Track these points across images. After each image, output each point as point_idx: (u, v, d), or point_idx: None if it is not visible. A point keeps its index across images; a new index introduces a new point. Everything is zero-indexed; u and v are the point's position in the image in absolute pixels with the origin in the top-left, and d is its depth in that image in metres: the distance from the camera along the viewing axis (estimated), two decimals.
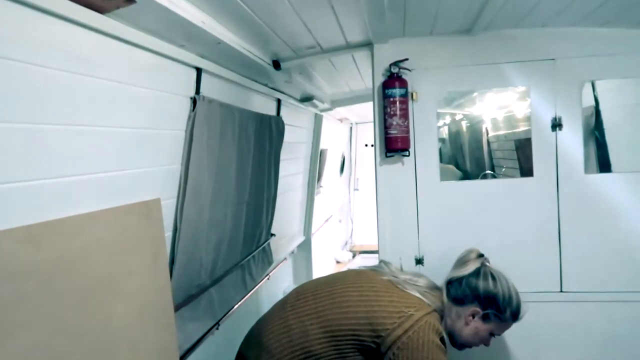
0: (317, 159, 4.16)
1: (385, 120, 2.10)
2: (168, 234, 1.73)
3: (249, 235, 2.55)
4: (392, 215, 2.20)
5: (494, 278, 1.54)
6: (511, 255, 2.08)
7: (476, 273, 1.57)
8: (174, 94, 1.65)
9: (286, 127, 2.92)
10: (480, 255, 1.65)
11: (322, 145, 4.33)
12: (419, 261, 2.17)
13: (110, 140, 1.36)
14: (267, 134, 2.57)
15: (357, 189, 6.73)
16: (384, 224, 2.20)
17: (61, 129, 1.17)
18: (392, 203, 2.20)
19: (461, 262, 1.63)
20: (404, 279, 1.59)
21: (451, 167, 2.31)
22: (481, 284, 1.53)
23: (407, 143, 2.11)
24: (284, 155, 3.06)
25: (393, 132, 2.08)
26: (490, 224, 2.14)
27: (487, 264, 1.62)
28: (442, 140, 2.26)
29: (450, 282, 1.60)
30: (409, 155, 2.16)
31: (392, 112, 2.07)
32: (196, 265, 1.91)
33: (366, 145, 6.60)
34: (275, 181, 2.84)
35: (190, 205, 1.77)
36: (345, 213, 6.60)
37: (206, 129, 1.82)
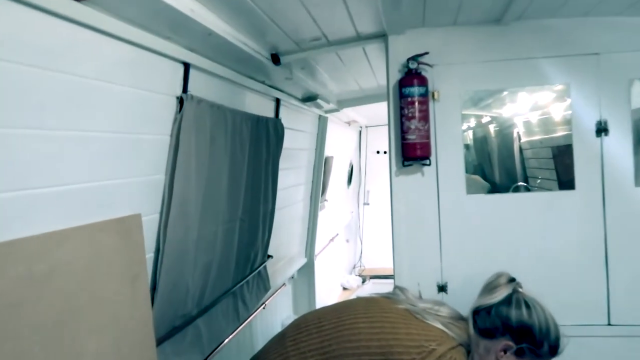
0: (321, 168, 4.16)
1: (402, 124, 2.10)
2: (149, 255, 1.72)
3: (243, 258, 2.55)
4: (410, 234, 2.18)
5: (528, 306, 1.51)
6: (549, 281, 2.07)
7: (507, 301, 1.54)
8: (157, 92, 1.65)
9: (286, 131, 2.93)
10: (512, 280, 1.62)
11: (327, 152, 4.34)
12: (442, 288, 2.15)
13: (82, 146, 1.35)
14: (264, 138, 2.58)
15: (367, 203, 6.74)
16: (400, 244, 2.19)
17: (25, 133, 1.15)
18: (409, 220, 2.18)
19: (489, 288, 1.61)
20: (423, 308, 1.57)
21: (478, 178, 2.31)
22: (513, 313, 1.50)
23: (428, 150, 2.11)
24: (283, 163, 3.06)
25: (411, 137, 2.07)
26: (523, 244, 2.12)
27: (520, 289, 1.59)
28: (467, 146, 2.26)
29: (477, 312, 1.57)
30: (429, 164, 2.15)
31: (410, 114, 2.07)
32: (182, 292, 1.90)
33: (378, 152, 6.62)
34: (273, 194, 2.85)
35: (175, 223, 1.76)
36: (353, 231, 6.59)
37: (194, 134, 1.82)
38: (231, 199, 2.27)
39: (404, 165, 2.15)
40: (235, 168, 2.26)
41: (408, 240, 2.19)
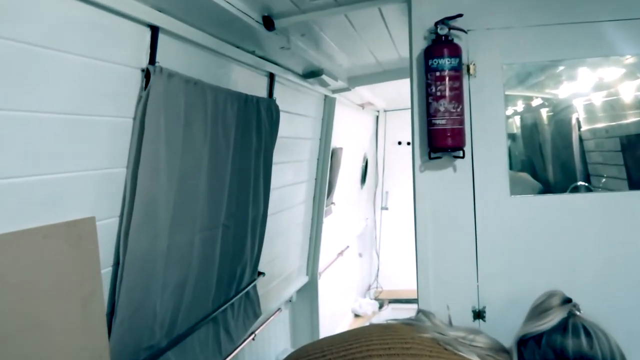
0: (328, 162, 4.19)
1: (428, 105, 2.10)
2: (106, 270, 1.72)
3: (227, 274, 2.56)
4: (438, 245, 2.19)
5: (588, 334, 1.48)
6: (615, 303, 2.05)
7: (562, 327, 1.51)
8: (117, 63, 1.65)
9: (283, 115, 2.94)
10: (567, 301, 1.59)
11: (334, 143, 4.36)
12: (478, 314, 2.14)
13: (21, 130, 1.35)
14: (255, 124, 2.59)
15: (385, 208, 6.78)
16: (426, 258, 2.19)
17: None
18: (437, 227, 2.19)
19: (539, 311, 1.58)
20: (454, 337, 1.55)
21: (525, 175, 2.30)
22: (570, 343, 1.47)
23: (461, 138, 2.10)
24: (278, 156, 3.08)
25: (440, 122, 2.07)
26: (583, 258, 2.11)
27: (578, 313, 1.56)
28: (511, 136, 2.23)
29: (523, 342, 1.55)
30: (463, 157, 2.14)
31: (438, 93, 2.06)
32: (147, 317, 1.91)
33: (400, 143, 6.65)
34: (265, 194, 2.86)
35: (139, 229, 1.77)
36: (368, 243, 6.64)
37: (164, 116, 1.82)
38: (212, 200, 2.27)
39: (430, 158, 2.15)
40: (217, 161, 2.27)
41: (435, 253, 2.19)
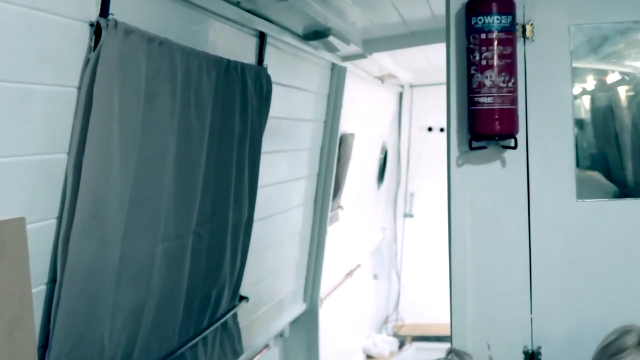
0: (335, 153, 4.20)
1: (470, 78, 2.10)
2: (39, 289, 1.71)
3: (198, 298, 2.55)
4: (480, 266, 2.20)
5: None
6: None
7: None
8: (57, 14, 1.63)
9: (276, 89, 2.94)
10: None
11: (344, 128, 4.36)
12: (532, 356, 2.15)
13: None
14: (238, 100, 2.58)
15: (409, 215, 6.82)
16: (463, 283, 2.20)
17: None
18: (479, 241, 2.20)
19: (610, 352, 1.61)
20: None
21: (596, 174, 2.31)
22: None
23: (513, 122, 2.11)
24: (269, 143, 3.08)
25: (485, 100, 2.07)
26: None
27: None
28: (579, 122, 2.24)
29: None
30: (515, 148, 2.14)
31: (484, 62, 2.06)
32: (92, 352, 1.88)
33: (430, 129, 6.67)
34: (251, 195, 2.86)
35: (84, 236, 1.75)
36: (385, 261, 6.63)
37: (119, 87, 1.81)
38: (180, 200, 2.26)
39: (471, 149, 2.15)
40: (189, 148, 2.26)
41: (476, 275, 2.20)
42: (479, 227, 2.20)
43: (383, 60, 4.57)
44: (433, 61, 5.03)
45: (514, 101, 2.09)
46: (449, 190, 2.22)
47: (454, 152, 2.20)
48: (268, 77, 2.85)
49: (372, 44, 3.92)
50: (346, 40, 3.38)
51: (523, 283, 2.17)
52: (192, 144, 2.29)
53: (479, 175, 2.20)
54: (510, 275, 2.18)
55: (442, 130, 6.36)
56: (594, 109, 2.39)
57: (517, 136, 2.13)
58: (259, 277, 3.41)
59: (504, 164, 2.19)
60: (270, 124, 2.96)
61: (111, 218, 1.86)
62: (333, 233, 4.51)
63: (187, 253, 2.39)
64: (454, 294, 2.20)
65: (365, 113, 5.22)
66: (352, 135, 4.72)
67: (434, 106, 6.24)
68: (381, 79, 5.41)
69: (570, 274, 2.16)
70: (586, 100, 2.36)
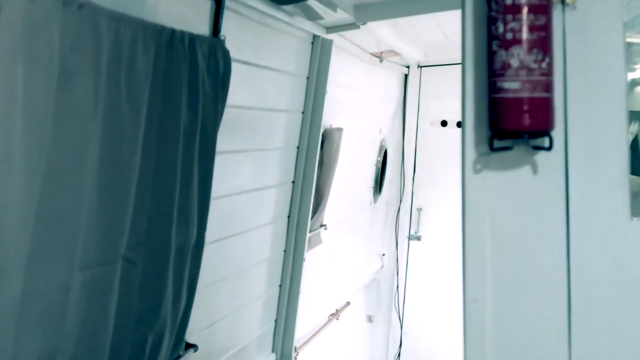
0: (316, 154, 4.23)
1: (492, 57, 2.10)
2: None
3: (128, 346, 2.55)
4: (501, 306, 2.20)
5: None
6: None
7: None
8: None
9: (237, 68, 2.95)
10: None
11: (328, 120, 4.40)
12: None
13: None
14: (185, 82, 2.60)
15: (416, 237, 6.86)
16: (480, 328, 2.19)
17: None
18: (501, 272, 2.20)
19: None
20: None
21: None
22: None
23: (548, 115, 2.10)
24: (228, 140, 3.11)
25: (511, 85, 2.07)
26: None
27: None
28: (636, 116, 2.25)
29: None
30: (550, 149, 2.14)
31: (509, 36, 2.06)
32: None
33: (444, 123, 6.72)
34: (201, 208, 2.88)
35: None
36: (384, 298, 6.71)
37: (23, 63, 1.82)
38: (106, 214, 2.26)
39: (492, 150, 2.15)
40: (118, 144, 2.27)
41: (497, 317, 2.20)
42: (501, 253, 2.20)
43: (382, 32, 4.54)
44: (449, 33, 5.04)
45: (548, 87, 2.08)
46: (463, 205, 2.23)
47: (470, 154, 2.20)
48: (226, 53, 2.85)
49: (367, 10, 3.89)
50: (332, 5, 3.37)
51: (559, 327, 2.17)
52: (123, 140, 2.29)
53: (502, 185, 2.20)
54: (542, 317, 2.18)
55: (459, 125, 6.36)
56: None
57: (553, 134, 2.13)
58: (212, 318, 3.41)
59: (535, 170, 2.18)
60: (228, 114, 2.96)
61: (10, 239, 1.86)
62: (313, 260, 4.51)
63: (115, 285, 2.38)
64: (468, 343, 2.21)
65: (358, 101, 5.23)
66: (340, 130, 4.72)
67: (450, 92, 6.21)
68: (379, 56, 5.39)
69: (623, 315, 2.16)
70: None
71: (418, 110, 6.73)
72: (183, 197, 2.70)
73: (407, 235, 6.79)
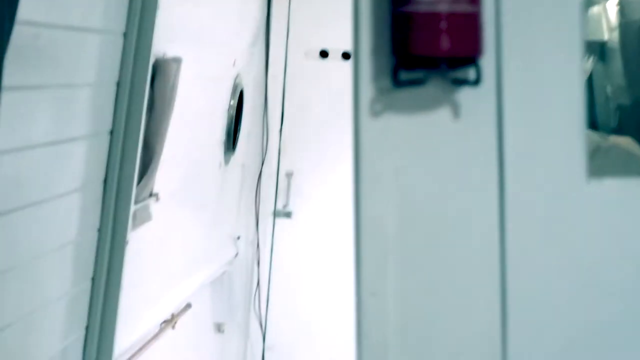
0: (144, 93, 4.26)
1: None
2: None
3: None
4: (411, 300, 2.22)
5: None
6: None
7: None
8: None
9: None
10: None
11: (161, 47, 4.46)
12: None
13: None
14: None
15: (285, 213, 6.98)
16: (380, 330, 2.21)
17: None
18: (409, 255, 2.22)
19: None
20: None
21: (625, 140, 2.36)
22: None
23: (474, 35, 2.12)
24: (17, 72, 3.05)
25: None
26: None
27: None
28: (596, 48, 2.28)
29: None
30: (477, 83, 2.16)
31: None
32: None
33: (324, 54, 6.82)
34: None
35: None
36: (238, 299, 6.84)
37: None
38: None
39: (397, 83, 2.15)
40: None
41: (403, 315, 2.22)
42: (410, 228, 2.23)
43: None
44: None
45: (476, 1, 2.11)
46: (355, 163, 2.23)
47: (366, 91, 2.20)
48: None
49: None
50: None
51: (489, 327, 2.23)
52: None
53: (410, 133, 2.22)
54: (467, 314, 2.24)
55: (346, 56, 6.41)
56: (623, 28, 2.41)
57: (482, 62, 2.16)
58: None
59: (456, 112, 2.20)
60: (18, 34, 2.87)
61: None
62: (140, 243, 4.51)
63: None
64: (364, 351, 2.22)
65: (203, 21, 5.26)
66: (177, 61, 4.77)
67: (334, 11, 6.30)
68: None
69: (573, 308, 2.26)
70: (612, 10, 2.40)
71: (287, 36, 6.83)
72: None
73: (272, 210, 6.90)
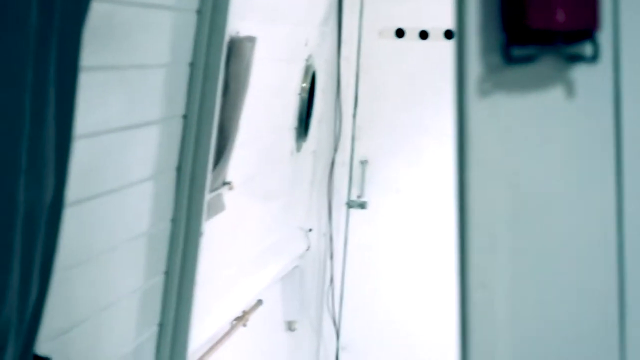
0: (218, 75, 4.25)
1: None
2: None
3: None
4: (526, 293, 2.22)
5: None
6: None
7: None
8: None
9: None
10: None
11: (235, 25, 4.45)
12: None
13: None
14: None
15: (360, 204, 6.92)
16: (491, 327, 2.21)
17: None
18: (524, 243, 2.22)
19: None
20: None
21: None
22: None
23: (592, 8, 2.12)
24: (93, 52, 3.08)
25: None
26: None
27: None
28: None
29: None
30: (595, 59, 2.17)
31: None
32: None
33: (401, 33, 6.73)
34: (60, 152, 2.85)
35: None
36: (310, 295, 6.81)
37: None
38: None
39: (509, 59, 2.17)
40: None
41: (515, 305, 2.22)
42: (523, 218, 2.22)
43: None
44: None
45: None
46: (459, 146, 2.23)
47: (474, 68, 2.20)
48: None
49: None
50: None
51: (608, 323, 2.21)
52: None
53: (522, 114, 2.21)
54: (583, 308, 2.22)
55: (422, 36, 6.35)
56: None
57: (599, 36, 2.16)
58: (71, 319, 3.39)
59: (571, 91, 2.20)
60: (95, 12, 2.93)
61: None
62: (212, 235, 4.52)
63: None
64: (471, 348, 2.23)
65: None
66: (252, 40, 4.74)
67: None
68: None
69: None
70: None
71: (361, 14, 6.74)
72: (34, 134, 2.66)
73: (346, 201, 6.84)
